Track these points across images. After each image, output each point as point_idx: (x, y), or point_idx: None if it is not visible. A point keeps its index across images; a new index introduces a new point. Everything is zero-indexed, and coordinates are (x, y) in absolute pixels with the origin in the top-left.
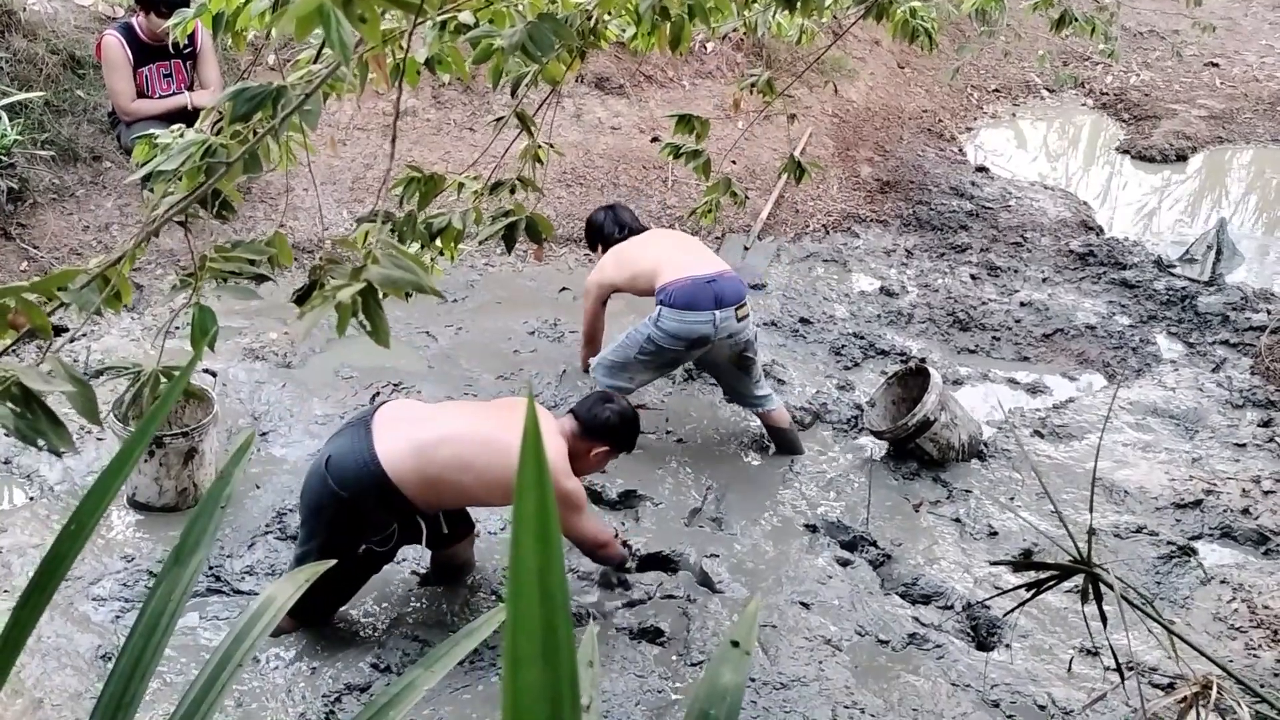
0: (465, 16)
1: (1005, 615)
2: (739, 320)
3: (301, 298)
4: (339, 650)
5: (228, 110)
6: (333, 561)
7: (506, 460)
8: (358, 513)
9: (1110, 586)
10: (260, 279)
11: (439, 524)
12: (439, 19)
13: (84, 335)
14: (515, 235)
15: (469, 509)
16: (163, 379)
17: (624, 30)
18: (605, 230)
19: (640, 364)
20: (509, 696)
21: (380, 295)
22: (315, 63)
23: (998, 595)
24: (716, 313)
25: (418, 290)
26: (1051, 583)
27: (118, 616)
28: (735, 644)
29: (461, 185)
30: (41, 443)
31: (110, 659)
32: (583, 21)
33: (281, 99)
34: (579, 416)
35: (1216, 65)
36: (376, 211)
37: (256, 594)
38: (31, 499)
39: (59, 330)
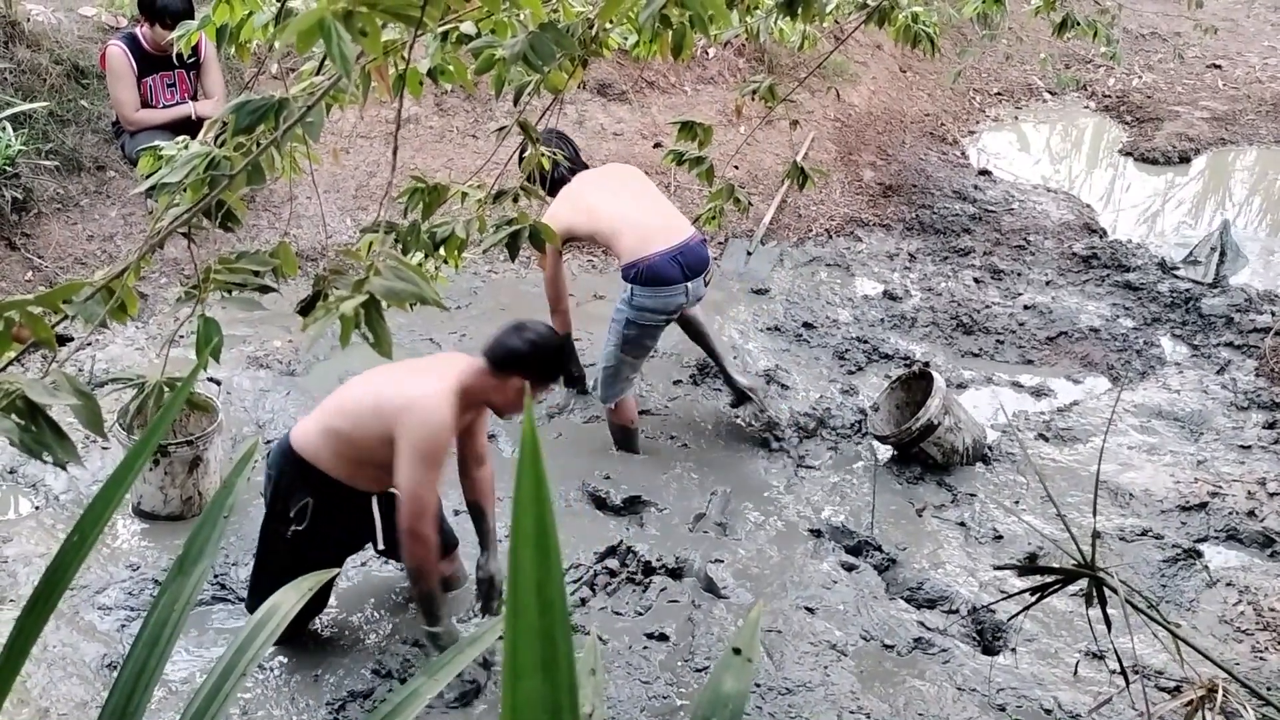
0: (467, 26)
1: (1010, 619)
2: (705, 284)
3: (306, 308)
4: (341, 657)
5: (231, 122)
6: (336, 571)
7: (376, 405)
8: (277, 487)
9: (1115, 590)
10: (265, 290)
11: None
12: (440, 30)
13: (89, 345)
14: (519, 243)
15: (449, 529)
16: (167, 390)
17: (626, 38)
18: (556, 173)
19: (631, 352)
20: (509, 708)
21: (383, 306)
22: (318, 74)
23: (1003, 599)
24: (688, 284)
25: (420, 301)
26: (1056, 587)
27: (123, 625)
28: (738, 651)
29: (465, 194)
30: (46, 456)
31: (115, 668)
32: (584, 30)
33: (284, 111)
34: (485, 352)
35: (1219, 67)
36: (380, 221)
37: None
38: (37, 508)
39: (63, 340)
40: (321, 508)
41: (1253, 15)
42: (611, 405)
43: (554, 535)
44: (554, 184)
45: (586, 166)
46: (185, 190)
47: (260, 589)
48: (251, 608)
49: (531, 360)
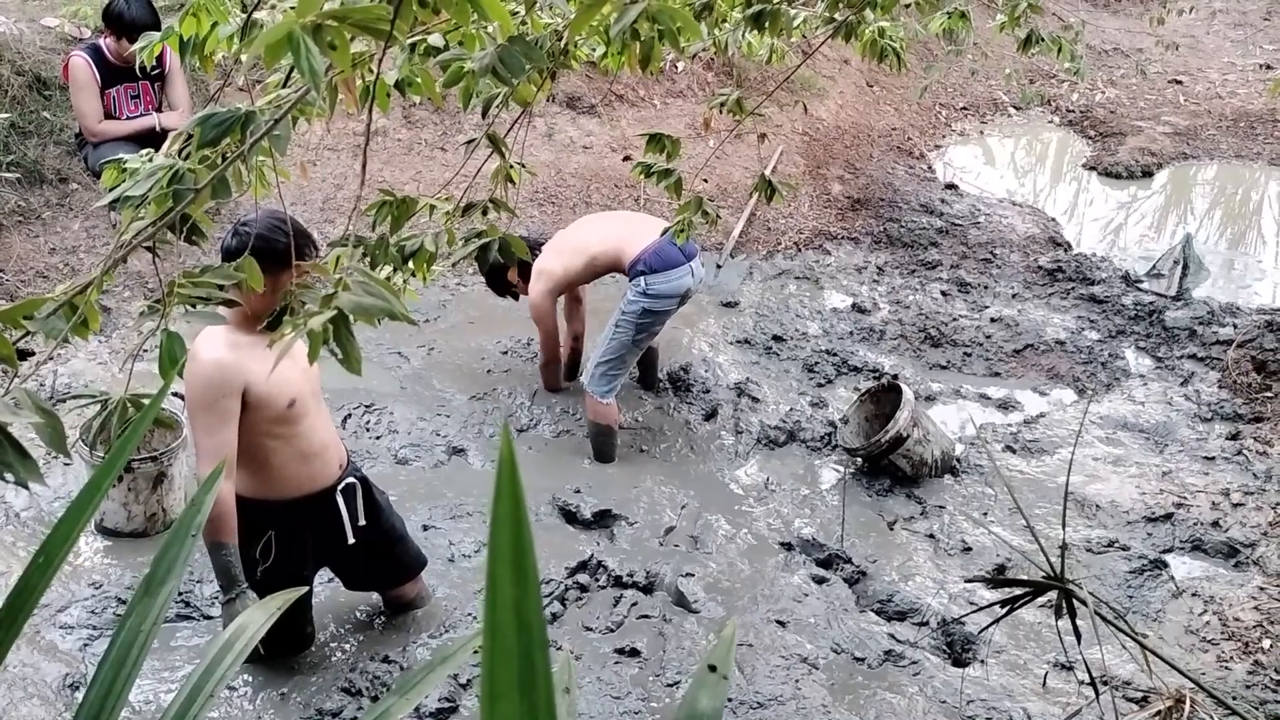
0: (435, 39)
1: (981, 632)
2: (701, 268)
3: (272, 323)
4: (309, 675)
5: (196, 135)
6: (304, 589)
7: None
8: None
9: (1084, 602)
10: (230, 304)
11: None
12: (408, 42)
13: (50, 359)
14: (488, 256)
15: (417, 549)
16: (130, 407)
17: (594, 50)
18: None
19: (636, 342)
20: None
21: (351, 322)
22: (284, 86)
23: (973, 612)
24: (691, 264)
25: (390, 317)
26: (1026, 600)
27: (85, 644)
28: (713, 668)
29: (433, 208)
30: (9, 475)
31: (78, 688)
32: (553, 43)
33: (251, 124)
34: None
35: (1180, 83)
36: (349, 235)
37: None
38: None
39: (25, 355)
40: (281, 535)
41: (1213, 32)
42: (607, 401)
43: (532, 554)
44: (523, 267)
45: (541, 244)
46: (149, 204)
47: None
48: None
49: (262, 249)
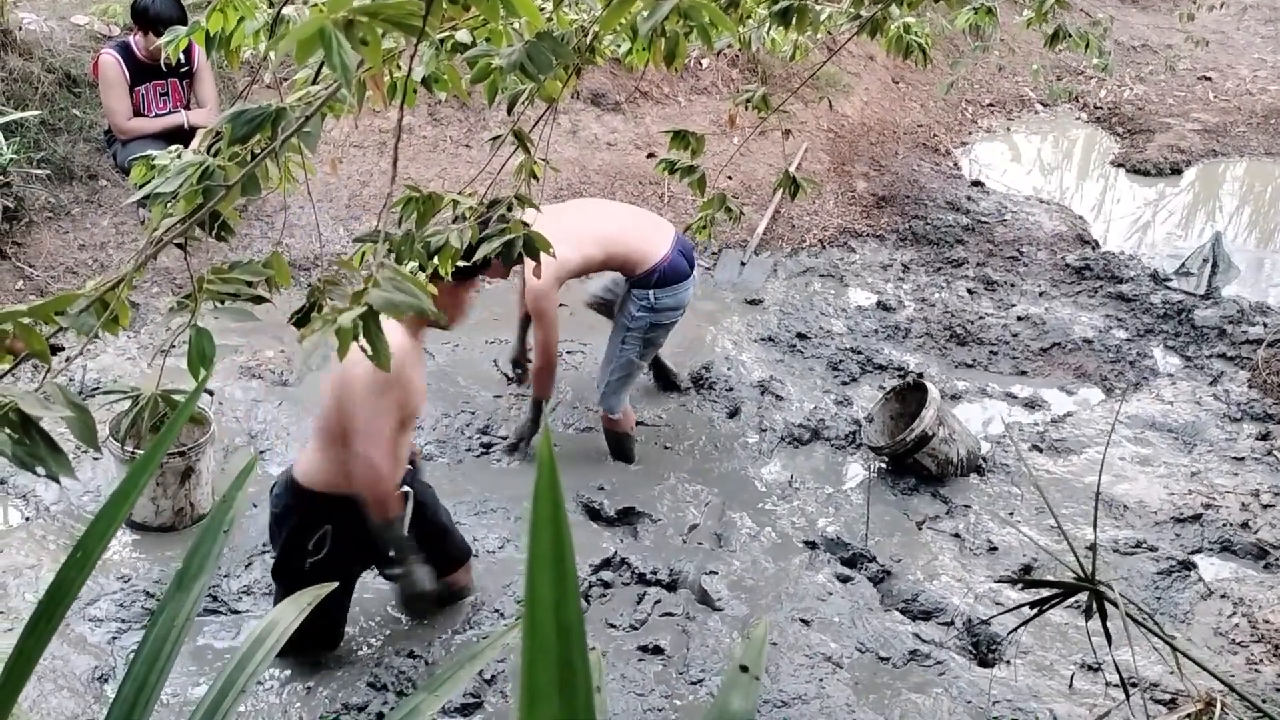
0: (462, 35)
1: (1009, 634)
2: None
3: (301, 320)
4: (335, 669)
5: (226, 132)
6: (334, 584)
7: (340, 380)
8: (285, 525)
9: (1115, 604)
10: (258, 300)
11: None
12: (436, 37)
13: (81, 354)
14: (513, 253)
15: (462, 538)
16: (161, 403)
17: (619, 45)
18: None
19: (644, 356)
20: None
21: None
22: (314, 83)
23: (1001, 614)
24: (694, 275)
25: (419, 314)
26: (1056, 601)
27: (114, 638)
28: (744, 669)
29: (456, 203)
30: (40, 469)
31: (107, 680)
32: (580, 39)
33: (281, 121)
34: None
35: (1209, 79)
36: (378, 230)
37: (254, 614)
38: (28, 519)
39: (55, 350)
40: (339, 531)
41: (1243, 28)
42: (618, 415)
43: (571, 557)
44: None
45: None
46: (179, 200)
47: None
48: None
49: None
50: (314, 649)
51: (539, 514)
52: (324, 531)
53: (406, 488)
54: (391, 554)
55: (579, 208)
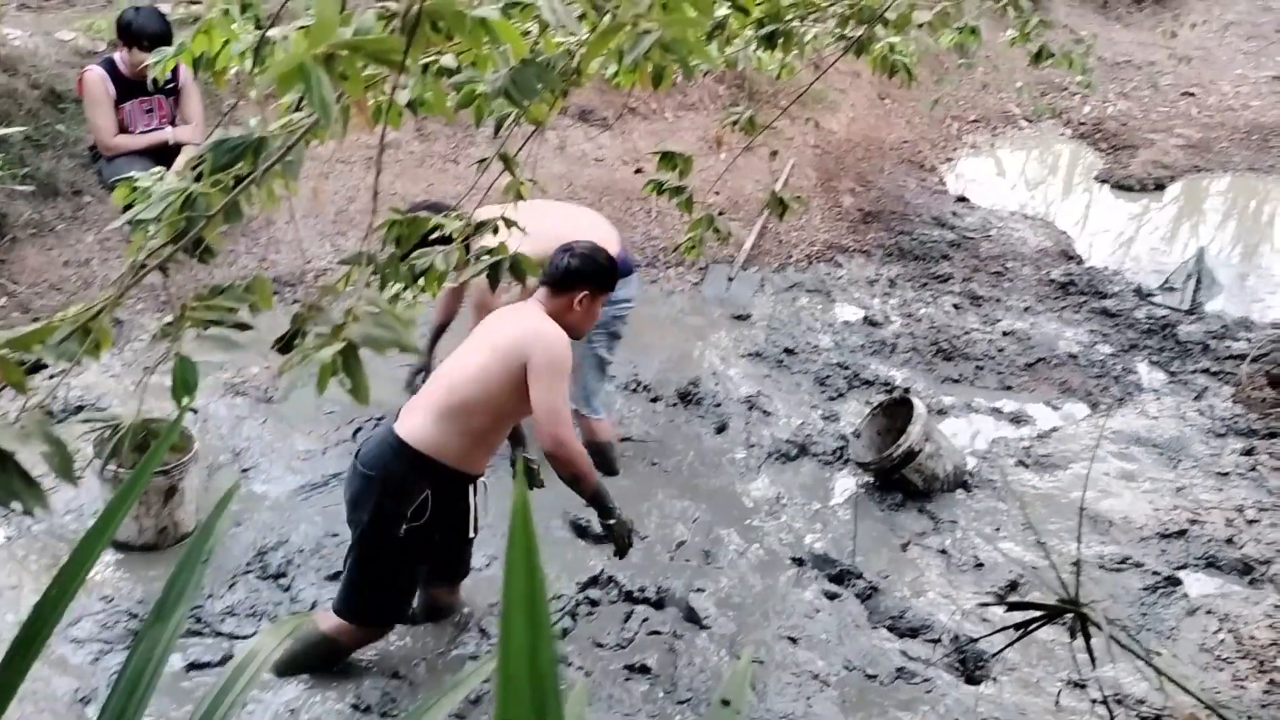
0: (448, 59)
1: (995, 655)
2: None
3: (285, 345)
4: (318, 690)
5: (208, 160)
6: (308, 615)
7: (500, 352)
8: (386, 487)
9: (1099, 626)
10: (242, 327)
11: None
12: (421, 62)
13: (64, 374)
14: (499, 274)
15: (465, 556)
16: (142, 431)
17: (606, 67)
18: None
19: (611, 350)
20: None
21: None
22: (297, 109)
23: (989, 635)
24: (634, 275)
25: (399, 348)
26: (1040, 623)
27: (96, 659)
28: (726, 703)
29: (441, 226)
30: (15, 505)
31: (89, 702)
32: (565, 63)
33: (263, 150)
34: (543, 281)
35: (1192, 95)
36: (362, 252)
37: (237, 636)
38: (9, 539)
39: (38, 367)
40: (438, 498)
41: (1225, 44)
42: (601, 416)
43: (544, 604)
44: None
45: (442, 207)
46: (162, 226)
47: (365, 591)
48: (355, 613)
49: (589, 271)
50: (382, 623)
51: (513, 560)
52: (425, 496)
53: (429, 492)
54: (596, 511)
55: (530, 212)
